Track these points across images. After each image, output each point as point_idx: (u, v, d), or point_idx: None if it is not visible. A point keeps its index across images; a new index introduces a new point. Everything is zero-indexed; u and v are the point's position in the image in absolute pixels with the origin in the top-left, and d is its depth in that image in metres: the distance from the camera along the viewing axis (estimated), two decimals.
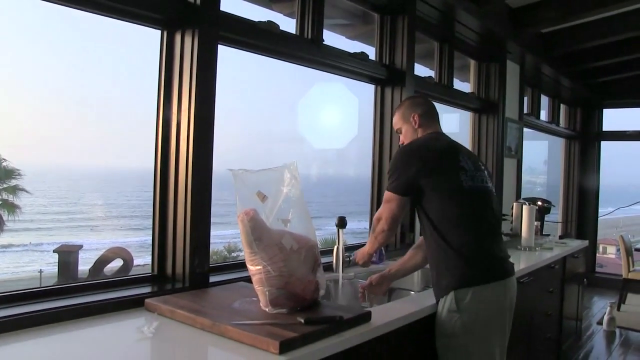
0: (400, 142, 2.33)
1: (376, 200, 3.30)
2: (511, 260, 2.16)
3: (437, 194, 2.02)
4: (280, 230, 1.73)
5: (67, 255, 11.76)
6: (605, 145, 7.56)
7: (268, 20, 2.42)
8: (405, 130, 2.28)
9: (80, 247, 13.90)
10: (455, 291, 1.94)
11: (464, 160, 2.10)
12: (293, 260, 1.69)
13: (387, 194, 2.10)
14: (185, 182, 2.05)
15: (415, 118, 2.25)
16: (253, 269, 1.70)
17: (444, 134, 2.27)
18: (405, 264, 2.34)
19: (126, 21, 2.03)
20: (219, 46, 2.17)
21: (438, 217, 2.02)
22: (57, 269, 12.19)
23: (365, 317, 1.73)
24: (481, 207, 2.10)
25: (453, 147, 2.17)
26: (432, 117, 2.29)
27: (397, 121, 2.34)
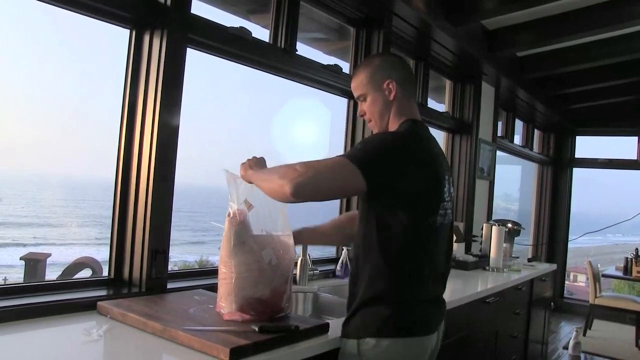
0: (360, 113, 1.77)
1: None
2: (479, 280, 1.97)
3: (403, 216, 1.55)
4: (264, 239, 1.70)
5: (34, 263, 11.47)
6: (578, 172, 7.68)
7: (240, 27, 2.40)
8: (372, 99, 1.70)
9: (49, 255, 13.58)
10: (360, 340, 1.56)
11: (447, 184, 1.66)
12: (268, 271, 1.66)
13: (336, 159, 1.49)
14: (147, 185, 2.01)
15: (391, 86, 1.67)
16: (225, 271, 1.66)
17: (426, 127, 1.75)
18: (323, 232, 1.98)
19: (95, 19, 1.99)
20: (198, 52, 2.19)
21: (393, 243, 1.57)
22: (22, 277, 11.91)
23: (323, 328, 1.70)
24: (440, 246, 1.68)
25: (444, 165, 1.70)
26: (412, 91, 1.75)
27: (360, 84, 1.72)
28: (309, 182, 1.41)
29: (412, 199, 1.56)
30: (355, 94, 1.75)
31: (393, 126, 1.69)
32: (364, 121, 3.22)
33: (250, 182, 1.65)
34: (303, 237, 1.97)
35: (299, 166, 1.45)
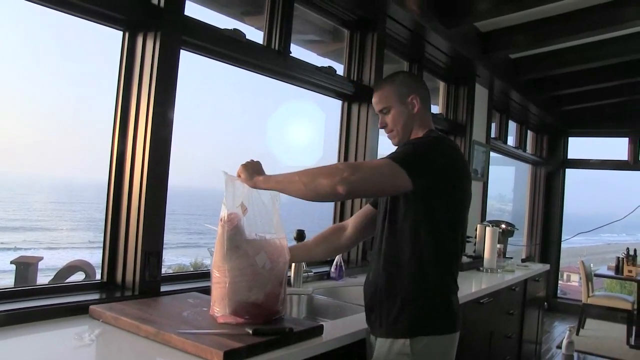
0: (381, 125, 1.83)
1: (338, 219, 3.27)
2: (472, 281, 2.07)
3: (448, 212, 1.68)
4: (258, 243, 1.69)
5: (25, 267, 11.35)
6: (571, 173, 7.71)
7: (234, 28, 2.39)
8: (396, 112, 1.77)
9: (41, 258, 13.46)
10: (412, 339, 1.62)
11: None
12: (262, 275, 1.65)
13: (382, 160, 1.59)
14: (140, 186, 1.99)
15: (415, 101, 1.77)
16: (219, 275, 1.65)
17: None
18: (309, 247, 2.03)
19: (89, 20, 1.98)
20: (190, 54, 2.19)
21: (439, 239, 1.67)
22: (13, 281, 11.79)
23: (317, 330, 1.69)
24: (461, 243, 1.81)
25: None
26: (430, 106, 1.87)
27: (384, 97, 1.79)
28: (361, 181, 1.51)
29: (454, 195, 1.70)
30: (378, 107, 1.82)
31: (416, 137, 1.79)
32: (358, 123, 3.25)
33: (258, 187, 1.64)
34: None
35: (343, 166, 1.53)
